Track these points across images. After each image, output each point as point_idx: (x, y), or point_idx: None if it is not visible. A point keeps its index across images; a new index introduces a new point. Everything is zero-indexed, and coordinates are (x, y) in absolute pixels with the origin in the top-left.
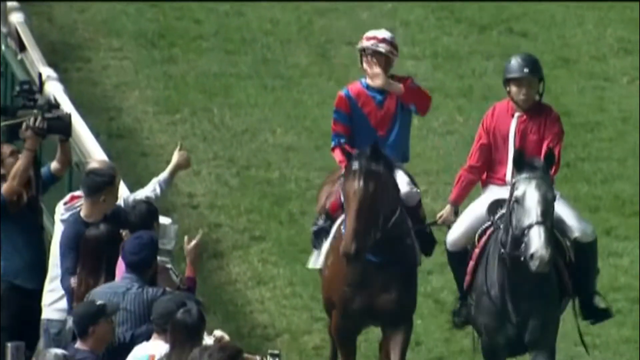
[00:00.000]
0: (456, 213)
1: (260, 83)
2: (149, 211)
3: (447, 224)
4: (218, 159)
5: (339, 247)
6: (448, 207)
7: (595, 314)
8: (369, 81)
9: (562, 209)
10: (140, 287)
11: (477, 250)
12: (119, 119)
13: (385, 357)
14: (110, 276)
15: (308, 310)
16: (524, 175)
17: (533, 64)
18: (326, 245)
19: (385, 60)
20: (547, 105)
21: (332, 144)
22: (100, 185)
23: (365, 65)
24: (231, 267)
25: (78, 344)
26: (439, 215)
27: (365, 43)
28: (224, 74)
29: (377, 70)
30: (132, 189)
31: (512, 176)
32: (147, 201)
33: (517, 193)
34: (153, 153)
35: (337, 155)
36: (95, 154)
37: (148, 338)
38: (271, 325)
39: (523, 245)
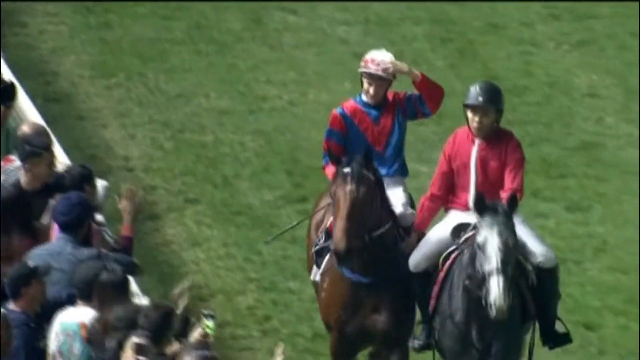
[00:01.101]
0: (419, 240)
1: (194, 48)
2: (82, 175)
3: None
4: (153, 122)
5: (333, 270)
6: (413, 235)
7: (555, 339)
8: (365, 98)
9: (525, 233)
10: (74, 247)
11: (441, 275)
12: (55, 83)
13: None
14: (28, 238)
15: (242, 271)
16: (486, 220)
17: (490, 94)
18: (326, 260)
19: (387, 84)
20: (507, 131)
21: (324, 162)
22: (27, 154)
23: (366, 86)
24: (166, 229)
25: (11, 305)
26: (405, 243)
27: (371, 68)
28: (158, 39)
29: (401, 65)
30: (69, 152)
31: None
32: (82, 165)
33: (479, 239)
34: (89, 117)
35: (330, 172)
36: (31, 118)
37: None
38: (206, 285)
39: (484, 290)
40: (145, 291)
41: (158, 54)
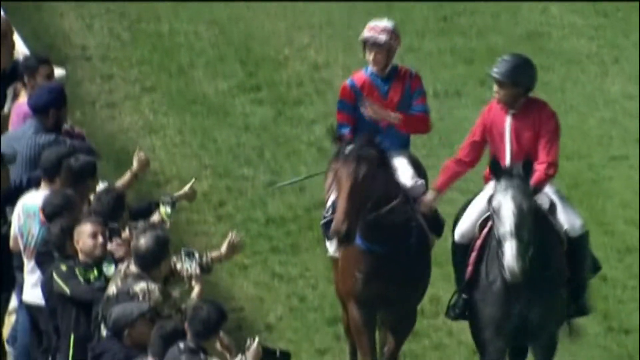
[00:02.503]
0: (435, 199)
1: None
2: (24, 66)
3: (430, 210)
4: (110, 12)
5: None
6: (431, 193)
7: (578, 308)
8: (372, 69)
9: (557, 201)
10: (36, 132)
11: (478, 242)
12: None
13: (385, 336)
14: None
15: (197, 157)
16: (501, 184)
17: (508, 66)
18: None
19: (386, 50)
20: (541, 101)
21: (337, 133)
22: None
23: (367, 55)
24: (123, 117)
25: None
26: (419, 201)
27: (366, 34)
28: None
29: (377, 110)
30: (27, 39)
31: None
32: (40, 55)
33: (494, 203)
34: (47, 7)
35: None
36: None
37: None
38: (162, 172)
39: (500, 253)
40: (102, 177)
41: None
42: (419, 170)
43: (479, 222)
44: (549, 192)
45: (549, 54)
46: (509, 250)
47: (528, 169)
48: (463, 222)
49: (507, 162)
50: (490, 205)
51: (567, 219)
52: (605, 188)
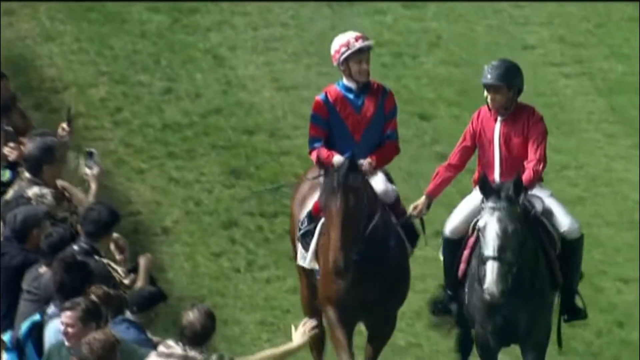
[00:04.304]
0: (429, 206)
1: None
2: None
3: (421, 216)
4: None
5: (327, 248)
6: (423, 199)
7: (572, 312)
8: (354, 81)
9: (552, 204)
10: None
11: (471, 240)
12: None
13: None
14: None
15: (94, 64)
16: (489, 205)
17: (500, 71)
18: (313, 244)
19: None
20: (529, 106)
21: (309, 147)
22: None
23: (356, 67)
24: (20, 24)
25: None
26: (413, 206)
27: (360, 44)
28: None
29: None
30: None
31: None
32: None
33: (480, 223)
34: None
35: (315, 157)
36: None
37: None
38: (59, 79)
39: (482, 272)
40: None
41: None
42: (390, 179)
43: (473, 220)
44: (543, 196)
45: None
46: (490, 273)
47: (518, 188)
48: (454, 218)
49: (496, 169)
50: (477, 225)
51: (565, 222)
52: None
